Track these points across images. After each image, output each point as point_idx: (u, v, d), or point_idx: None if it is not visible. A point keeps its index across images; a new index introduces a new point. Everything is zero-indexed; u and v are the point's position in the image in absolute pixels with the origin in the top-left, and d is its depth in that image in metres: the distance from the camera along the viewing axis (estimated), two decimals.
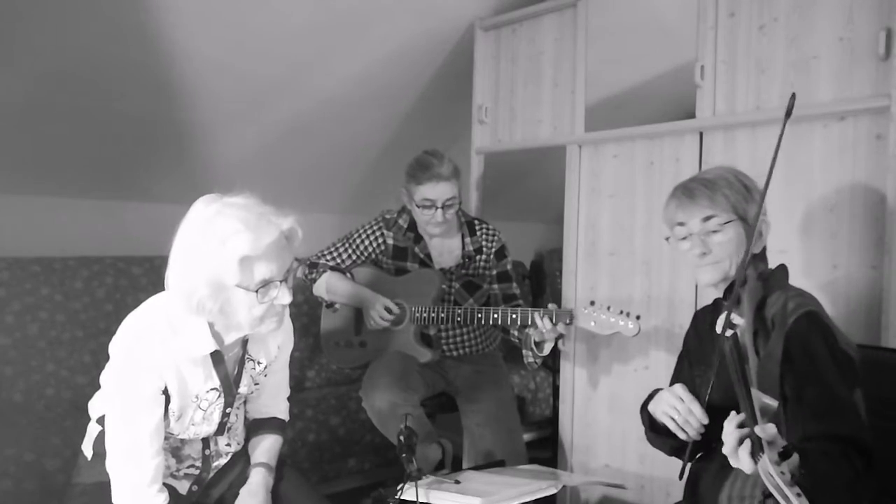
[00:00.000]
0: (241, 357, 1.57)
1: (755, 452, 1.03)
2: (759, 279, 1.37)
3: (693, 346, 1.59)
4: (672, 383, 1.62)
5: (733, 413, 1.10)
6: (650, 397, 1.54)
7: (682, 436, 1.36)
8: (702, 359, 1.52)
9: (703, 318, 1.58)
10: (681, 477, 1.36)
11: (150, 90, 2.60)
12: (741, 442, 1.06)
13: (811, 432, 1.20)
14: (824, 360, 1.26)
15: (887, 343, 1.79)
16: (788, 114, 1.30)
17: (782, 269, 1.45)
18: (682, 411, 1.36)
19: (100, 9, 2.22)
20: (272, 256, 1.39)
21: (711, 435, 1.43)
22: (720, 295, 1.48)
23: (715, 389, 1.38)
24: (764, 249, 1.47)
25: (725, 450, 1.09)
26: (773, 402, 1.09)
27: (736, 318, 1.27)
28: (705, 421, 1.33)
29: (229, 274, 1.36)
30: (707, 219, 1.42)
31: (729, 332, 1.24)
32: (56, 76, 2.40)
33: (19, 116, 2.49)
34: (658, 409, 1.42)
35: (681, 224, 1.46)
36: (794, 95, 1.31)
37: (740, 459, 1.06)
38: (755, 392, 1.08)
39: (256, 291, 1.39)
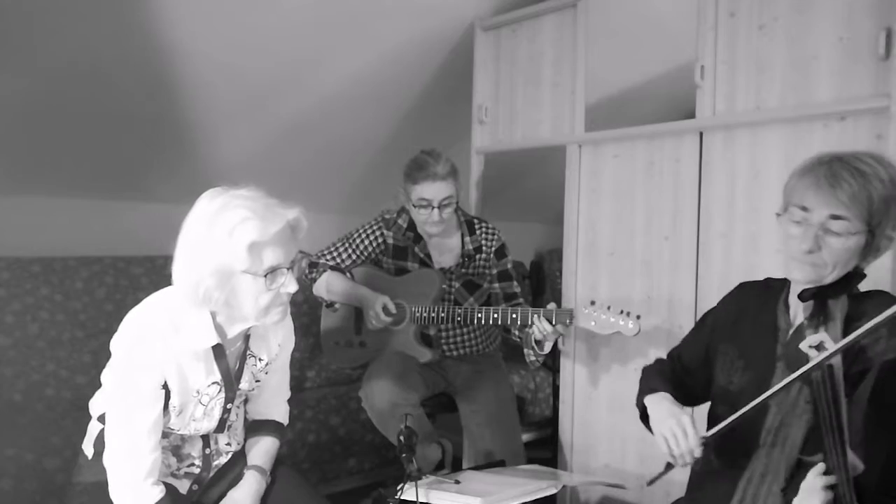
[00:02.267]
0: (243, 352, 1.58)
1: None
2: (848, 296, 1.23)
3: (725, 318, 1.49)
4: (686, 342, 1.59)
5: (819, 469, 0.98)
6: (650, 386, 1.47)
7: (669, 456, 1.33)
8: (733, 338, 1.44)
9: (750, 295, 1.46)
10: (648, 484, 1.32)
11: (151, 89, 2.60)
12: None
13: None
14: (890, 411, 1.15)
15: None
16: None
17: (886, 298, 1.28)
18: (680, 444, 1.30)
19: (99, 8, 2.22)
20: (279, 243, 1.42)
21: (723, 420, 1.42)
22: (793, 287, 1.33)
23: (743, 376, 1.36)
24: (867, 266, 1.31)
25: None
26: (860, 466, 0.98)
27: (828, 342, 1.11)
28: (698, 456, 1.29)
29: (238, 261, 1.38)
30: (836, 218, 1.22)
31: (814, 353, 1.09)
32: (56, 76, 2.40)
33: (19, 116, 2.49)
34: (659, 425, 1.36)
35: (804, 209, 1.26)
36: None
37: None
38: (850, 453, 0.97)
39: (265, 277, 1.40)
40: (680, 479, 1.56)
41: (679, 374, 1.57)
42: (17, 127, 2.53)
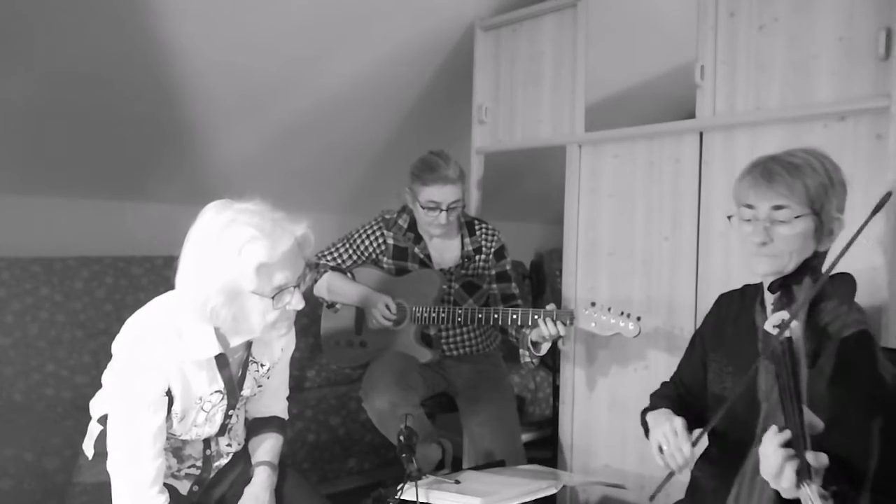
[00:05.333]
0: (245, 360, 1.57)
1: (802, 477, 0.97)
2: (812, 280, 1.28)
3: (710, 330, 1.54)
4: (683, 364, 1.63)
5: (774, 429, 1.03)
6: (652, 405, 1.55)
7: (663, 464, 1.37)
8: (720, 345, 1.48)
9: (729, 303, 1.53)
10: (651, 499, 1.35)
11: (151, 90, 2.60)
12: (786, 461, 1.00)
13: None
14: (859, 383, 1.20)
15: (887, 343, 1.79)
16: (877, 209, 1.19)
17: (847, 278, 1.35)
18: (671, 445, 1.35)
19: (100, 9, 2.22)
20: (287, 263, 1.40)
21: (723, 431, 1.42)
22: (766, 284, 1.39)
23: (733, 380, 1.39)
24: (827, 249, 1.37)
25: (767, 469, 1.03)
26: (819, 424, 1.02)
27: (788, 319, 1.18)
28: (688, 456, 1.33)
29: (246, 281, 1.37)
30: (778, 208, 1.31)
31: (777, 332, 1.15)
32: (56, 76, 2.40)
33: (20, 116, 2.49)
34: (654, 433, 1.42)
35: (749, 206, 1.35)
36: (888, 195, 1.19)
37: (783, 477, 1.00)
38: (807, 411, 1.01)
39: (272, 298, 1.40)
40: (680, 480, 1.56)
41: (683, 397, 1.60)
42: (18, 127, 2.53)
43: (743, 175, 1.38)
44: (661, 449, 1.38)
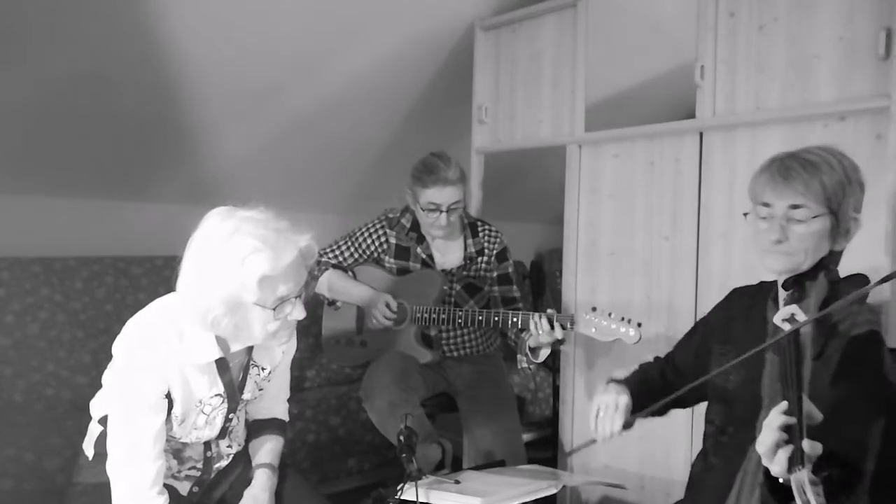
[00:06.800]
0: (246, 364, 1.57)
1: (794, 463, 0.98)
2: (827, 279, 1.30)
3: (718, 322, 1.54)
4: (680, 347, 1.64)
5: (783, 406, 1.04)
6: (625, 376, 1.61)
7: (592, 427, 1.47)
8: (727, 339, 1.48)
9: (742, 297, 1.52)
10: (568, 454, 1.45)
11: (151, 90, 2.60)
12: (780, 444, 1.01)
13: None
14: (864, 381, 1.21)
15: (888, 344, 1.78)
16: None
17: (861, 279, 1.35)
18: (606, 415, 1.45)
19: (100, 10, 2.22)
20: (290, 275, 1.40)
21: (727, 422, 1.43)
22: (780, 281, 1.39)
23: (738, 373, 1.39)
24: (842, 249, 1.38)
25: (762, 446, 1.04)
26: (818, 415, 1.03)
27: (799, 314, 1.20)
28: (615, 432, 1.43)
29: (248, 292, 1.36)
30: (795, 207, 1.31)
31: (787, 326, 1.16)
32: (57, 77, 2.40)
33: (20, 116, 2.49)
34: (599, 397, 1.51)
35: (765, 205, 1.34)
36: None
37: (775, 461, 1.01)
38: (806, 400, 1.03)
39: (274, 309, 1.40)
40: (680, 479, 1.56)
41: (670, 378, 1.61)
42: (18, 127, 2.53)
43: (760, 172, 1.37)
44: (597, 413, 1.47)
